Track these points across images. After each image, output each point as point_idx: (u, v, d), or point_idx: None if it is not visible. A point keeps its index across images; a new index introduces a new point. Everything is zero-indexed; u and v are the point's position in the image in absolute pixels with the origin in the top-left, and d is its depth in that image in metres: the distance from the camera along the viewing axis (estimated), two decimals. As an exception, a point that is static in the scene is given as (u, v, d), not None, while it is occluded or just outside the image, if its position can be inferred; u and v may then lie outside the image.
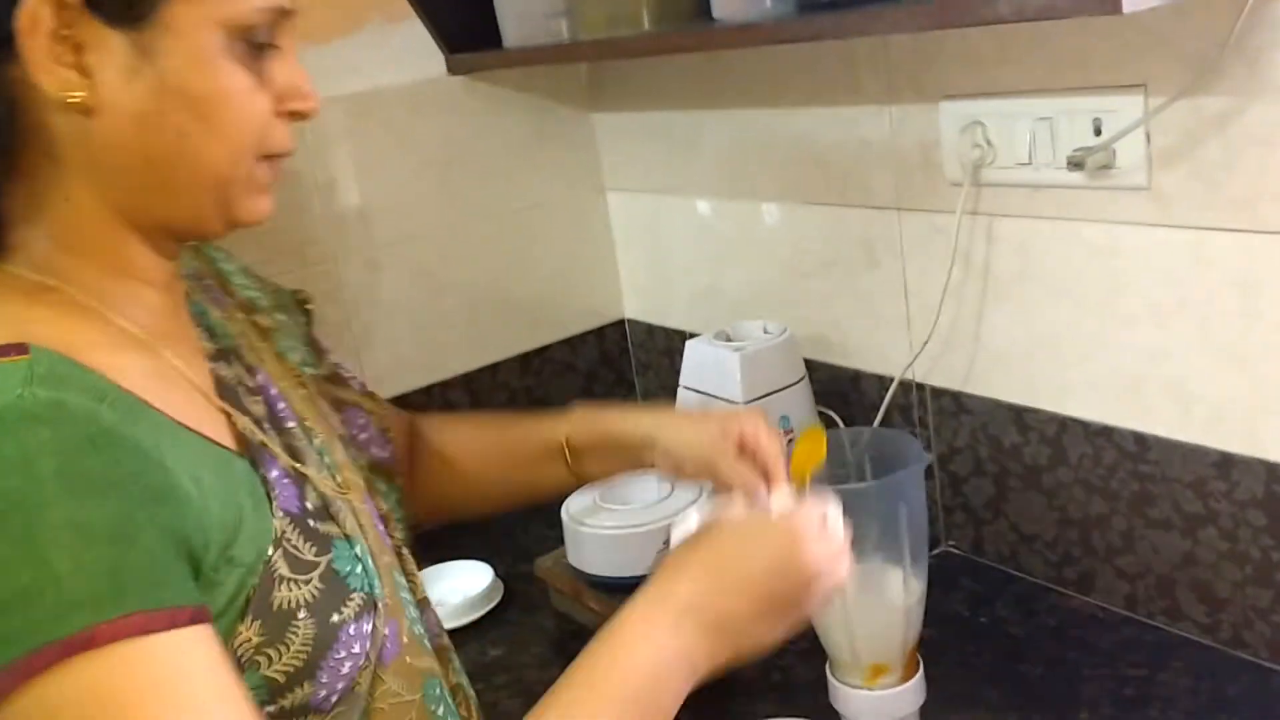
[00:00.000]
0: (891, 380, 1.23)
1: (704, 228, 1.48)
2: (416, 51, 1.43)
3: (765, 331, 1.27)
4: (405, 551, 0.80)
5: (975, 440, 1.18)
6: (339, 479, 0.74)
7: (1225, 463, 0.96)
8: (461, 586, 1.30)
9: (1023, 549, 1.17)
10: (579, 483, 0.93)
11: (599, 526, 1.15)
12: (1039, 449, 1.12)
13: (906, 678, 0.93)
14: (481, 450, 0.95)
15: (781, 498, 0.78)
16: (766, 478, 0.80)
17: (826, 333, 1.33)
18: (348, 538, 0.69)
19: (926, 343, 1.17)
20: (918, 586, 0.93)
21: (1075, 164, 0.95)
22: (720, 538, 0.70)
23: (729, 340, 1.26)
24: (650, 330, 1.64)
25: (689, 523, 0.75)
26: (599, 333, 1.66)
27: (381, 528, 0.77)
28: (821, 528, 0.70)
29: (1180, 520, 1.01)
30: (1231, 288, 0.92)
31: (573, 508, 1.19)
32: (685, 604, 0.66)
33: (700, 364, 1.25)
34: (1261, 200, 0.88)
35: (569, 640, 1.20)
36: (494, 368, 1.55)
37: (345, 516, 0.70)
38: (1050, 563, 1.15)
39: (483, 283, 1.54)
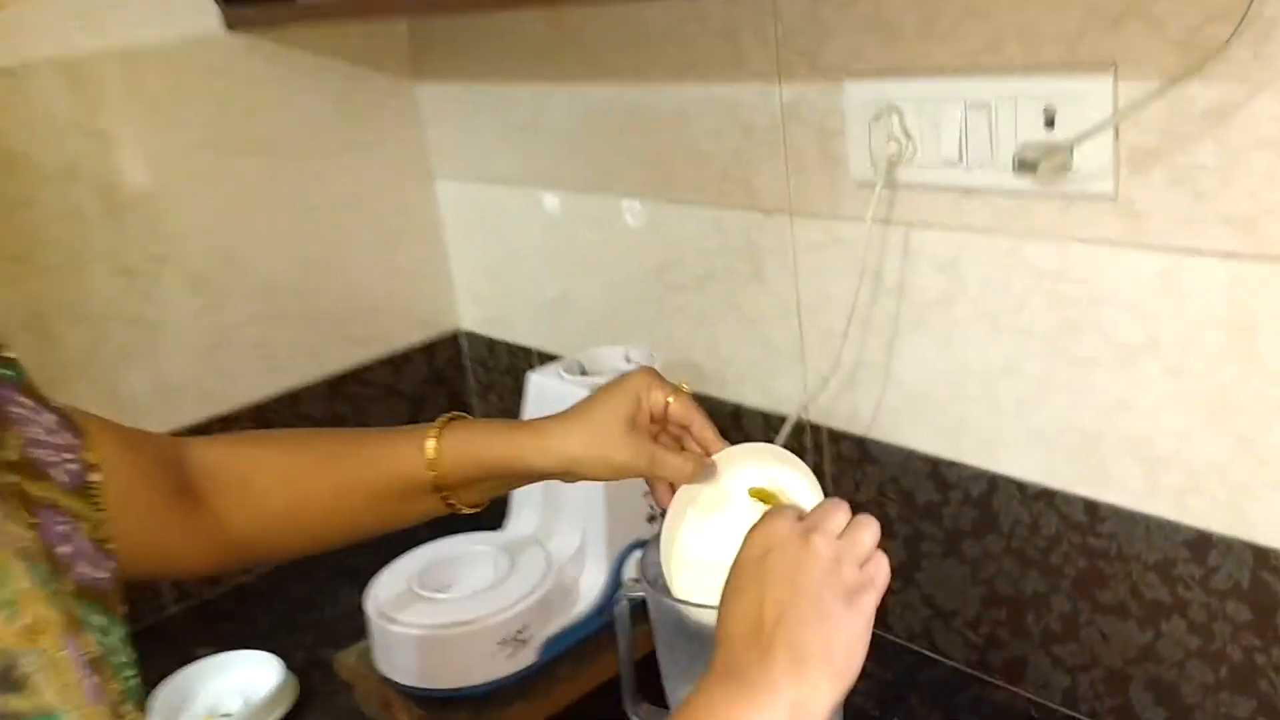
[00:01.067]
0: (782, 420, 1.00)
1: (553, 226, 1.22)
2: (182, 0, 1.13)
3: (628, 361, 1.03)
4: (128, 706, 0.54)
5: (883, 496, 0.97)
6: (21, 621, 0.48)
7: (1200, 542, 0.77)
8: (242, 685, 1.02)
9: (938, 626, 0.97)
10: (453, 512, 0.75)
11: (411, 625, 0.89)
12: (961, 511, 0.91)
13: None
14: (305, 485, 0.73)
15: (734, 462, 0.71)
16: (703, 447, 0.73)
17: (702, 359, 1.09)
18: (49, 714, 0.47)
19: (829, 378, 0.95)
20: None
21: (1026, 165, 0.74)
22: (775, 585, 0.57)
23: (583, 373, 1.02)
24: (491, 346, 1.38)
25: (691, 553, 0.70)
26: (428, 349, 1.39)
27: (92, 681, 0.50)
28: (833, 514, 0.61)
29: (1139, 608, 0.82)
30: (1217, 328, 0.72)
31: (380, 595, 0.92)
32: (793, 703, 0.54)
33: (546, 402, 1.00)
34: (1263, 218, 0.68)
35: (380, 761, 0.94)
36: (293, 396, 1.27)
37: (39, 678, 0.47)
38: (972, 644, 0.95)
39: (278, 291, 1.24)
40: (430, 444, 0.71)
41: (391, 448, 0.72)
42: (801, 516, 0.61)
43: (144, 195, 1.13)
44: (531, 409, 1.02)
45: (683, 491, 0.72)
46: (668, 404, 0.72)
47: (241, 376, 1.22)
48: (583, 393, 0.95)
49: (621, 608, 0.77)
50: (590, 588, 0.95)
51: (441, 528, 0.83)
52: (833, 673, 0.55)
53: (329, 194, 1.27)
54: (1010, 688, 0.93)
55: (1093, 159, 0.74)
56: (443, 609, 0.89)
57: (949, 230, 0.85)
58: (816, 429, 1.00)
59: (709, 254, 1.05)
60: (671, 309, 1.11)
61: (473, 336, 1.41)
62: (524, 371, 1.33)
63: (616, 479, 0.72)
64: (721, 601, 0.58)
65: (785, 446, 0.71)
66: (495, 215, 1.30)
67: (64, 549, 0.57)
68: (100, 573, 0.59)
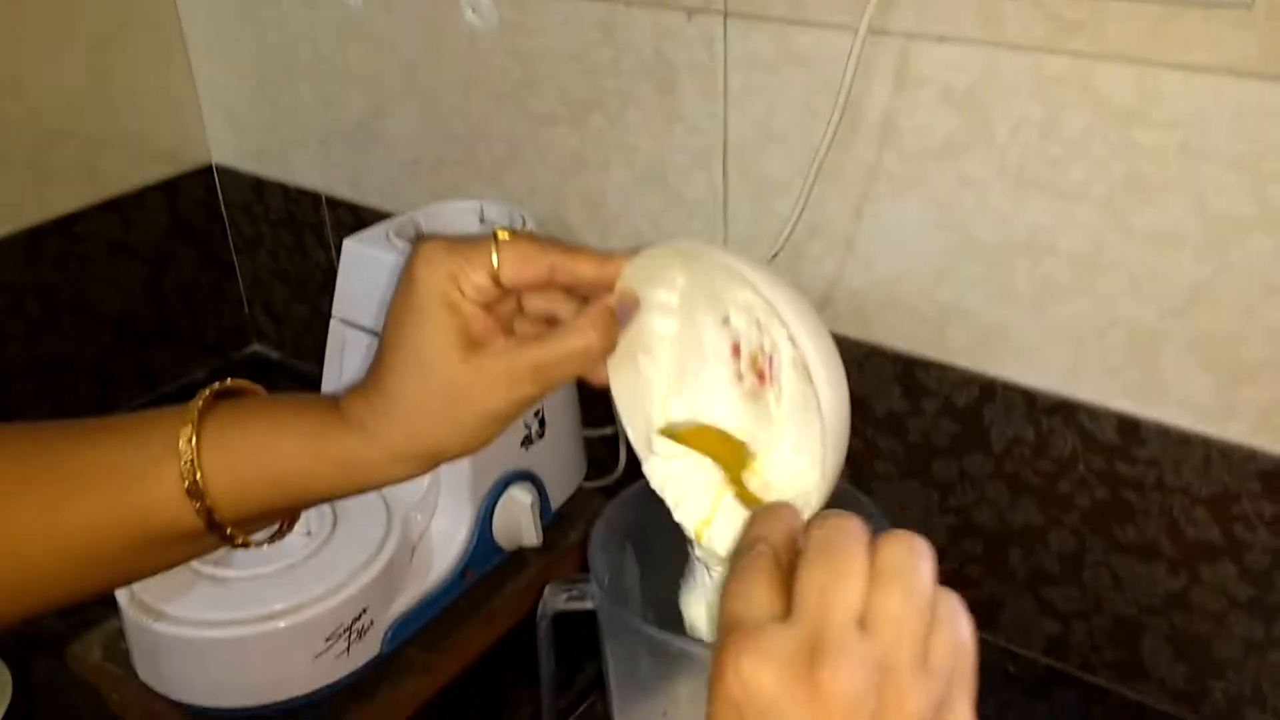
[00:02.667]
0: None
1: (352, 24, 0.88)
2: None
3: (483, 220, 0.74)
4: None
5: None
6: None
7: (1280, 474, 0.60)
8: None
9: (882, 558, 0.77)
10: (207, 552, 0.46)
11: (190, 622, 0.59)
12: (937, 424, 0.71)
13: None
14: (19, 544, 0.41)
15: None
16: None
17: (578, 220, 0.81)
18: None
19: (773, 250, 0.69)
20: None
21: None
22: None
23: (421, 238, 0.71)
24: (259, 188, 1.03)
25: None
26: (167, 190, 1.02)
27: None
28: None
29: (1174, 549, 0.65)
30: (1371, 197, 0.53)
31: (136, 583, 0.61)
32: None
33: (370, 281, 0.69)
34: None
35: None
36: (-28, 257, 0.88)
37: None
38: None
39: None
40: (185, 460, 0.41)
41: (122, 475, 0.41)
42: (789, 558, 0.34)
43: None
44: (347, 288, 0.71)
45: (614, 374, 0.45)
46: (496, 276, 0.41)
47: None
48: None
49: (545, 626, 0.51)
50: (448, 542, 0.68)
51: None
52: None
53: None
54: (980, 634, 0.75)
55: (1231, -54, 0.51)
56: (238, 592, 0.60)
57: (974, 45, 0.60)
58: (739, 313, 0.76)
59: (594, 71, 0.76)
60: (533, 146, 0.81)
61: (230, 174, 1.05)
62: (308, 225, 1.00)
63: (503, 429, 0.43)
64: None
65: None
66: (260, 6, 0.94)
67: None
68: None
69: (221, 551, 0.62)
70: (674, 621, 0.47)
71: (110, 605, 0.64)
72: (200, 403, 0.42)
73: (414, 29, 0.84)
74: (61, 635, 0.70)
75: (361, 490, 0.43)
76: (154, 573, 0.45)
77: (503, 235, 0.42)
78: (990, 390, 0.68)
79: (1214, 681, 0.67)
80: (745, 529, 0.37)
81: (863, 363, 0.72)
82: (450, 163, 0.87)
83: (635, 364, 0.45)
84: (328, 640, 0.60)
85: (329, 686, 0.62)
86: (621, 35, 0.73)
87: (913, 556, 0.33)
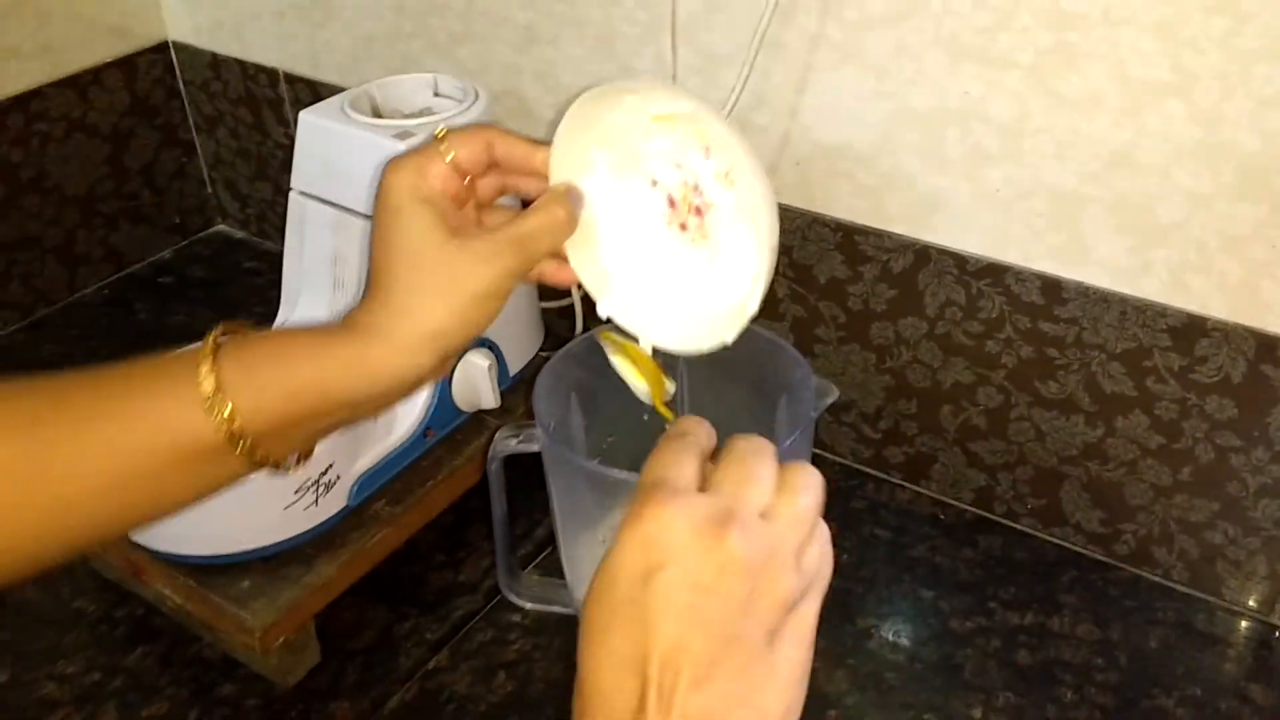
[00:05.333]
0: (642, 174, 0.77)
1: (301, -105, 0.88)
2: None
3: (437, 94, 0.75)
4: None
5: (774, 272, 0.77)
6: None
7: (1190, 329, 0.63)
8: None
9: (824, 419, 0.82)
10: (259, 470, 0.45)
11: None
12: (875, 289, 0.74)
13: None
14: (22, 483, 0.41)
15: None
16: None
17: (530, 93, 0.83)
18: None
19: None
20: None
21: None
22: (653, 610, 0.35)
23: (376, 112, 0.73)
24: (215, 64, 1.03)
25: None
26: (126, 65, 1.02)
27: None
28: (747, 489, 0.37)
29: (1092, 402, 0.69)
30: (1275, 62, 0.55)
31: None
32: None
33: (329, 154, 0.71)
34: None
35: (134, 643, 0.70)
36: (-70, 136, 0.89)
37: None
38: (866, 439, 0.80)
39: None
40: (206, 379, 0.41)
41: (147, 398, 0.42)
42: (709, 460, 0.39)
43: None
44: (304, 163, 0.73)
45: (574, 247, 0.49)
46: (450, 166, 0.46)
47: None
48: (382, 141, 0.69)
49: (496, 469, 0.55)
50: (408, 404, 0.71)
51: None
52: None
53: None
54: (912, 486, 0.80)
55: None
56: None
57: (914, -85, 0.62)
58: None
59: (544, -59, 0.76)
60: (486, 20, 0.82)
61: (187, 50, 1.05)
62: (266, 102, 1.01)
63: (496, 308, 0.46)
64: (582, 642, 0.36)
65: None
66: (211, -124, 0.93)
67: None
68: None
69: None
70: (615, 463, 0.51)
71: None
72: (213, 336, 0.43)
73: (365, -100, 0.84)
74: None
75: (379, 394, 0.44)
76: (185, 503, 0.45)
77: (440, 132, 0.46)
78: (925, 256, 0.71)
79: (1126, 525, 0.72)
80: (673, 427, 0.40)
81: (805, 231, 0.75)
82: (405, 37, 0.88)
83: (589, 243, 0.49)
84: (297, 492, 0.64)
85: (301, 535, 0.66)
86: (570, -95, 0.74)
87: (811, 481, 0.38)
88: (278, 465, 0.44)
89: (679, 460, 0.38)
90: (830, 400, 0.57)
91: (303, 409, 0.43)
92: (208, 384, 0.41)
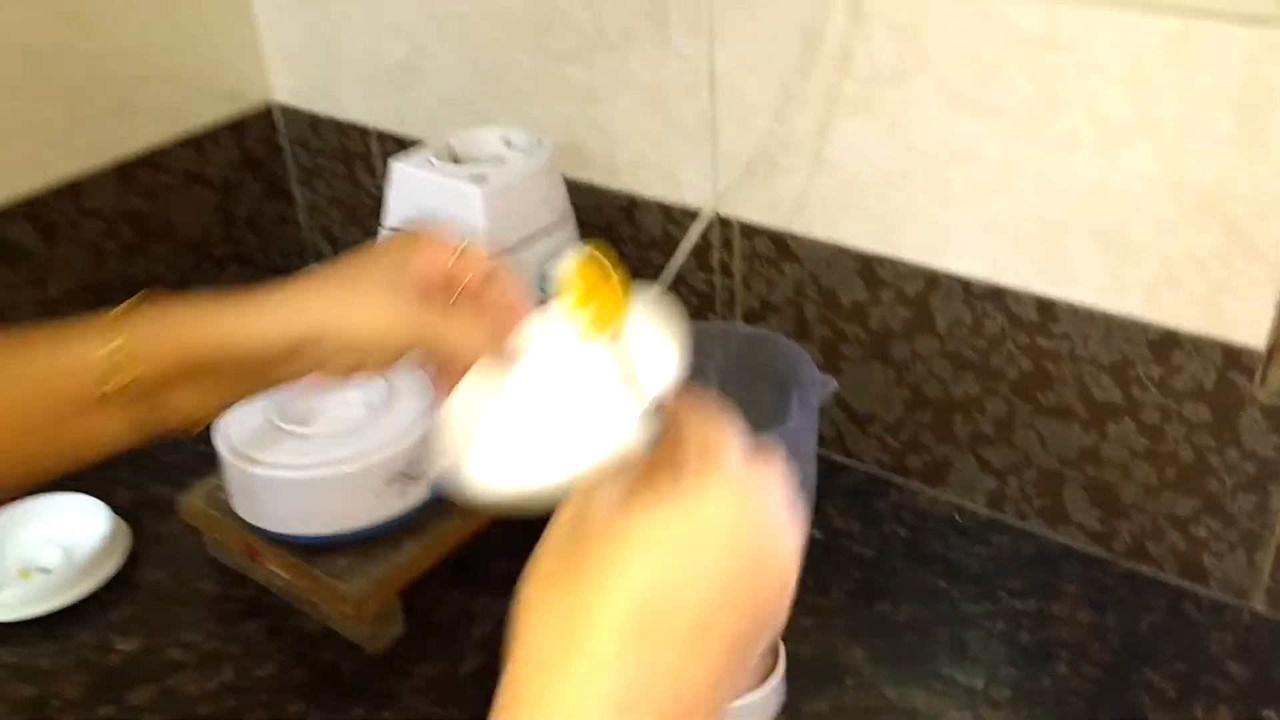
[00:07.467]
0: (685, 213, 0.88)
1: (393, -24, 1.01)
2: None
3: (509, 145, 0.87)
4: None
5: (800, 295, 0.87)
6: None
7: (1165, 341, 0.72)
8: (59, 535, 0.86)
9: (852, 431, 0.91)
10: (140, 437, 0.51)
11: (282, 466, 0.74)
12: (893, 311, 0.83)
13: (764, 676, 0.67)
14: None
15: (549, 338, 0.48)
16: (504, 322, 0.50)
17: (590, 142, 0.94)
18: None
19: (751, 162, 0.82)
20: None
21: (1035, -95, 0.62)
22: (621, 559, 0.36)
23: (455, 160, 0.85)
24: (315, 123, 1.17)
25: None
26: (235, 126, 1.16)
27: None
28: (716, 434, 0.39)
29: (1085, 410, 0.77)
30: (1225, 106, 0.64)
31: (232, 432, 0.76)
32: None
33: (416, 198, 0.83)
34: (1297, -23, 0.59)
35: (247, 617, 0.81)
36: (74, 187, 1.03)
37: None
38: (889, 449, 0.89)
39: (38, 53, 0.98)
40: (105, 331, 0.49)
41: (54, 345, 0.50)
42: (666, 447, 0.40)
43: None
44: (397, 205, 0.85)
45: (470, 382, 0.49)
46: (447, 265, 0.51)
47: (6, 164, 0.98)
48: (461, 185, 0.81)
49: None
50: (482, 410, 0.82)
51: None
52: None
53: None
54: (931, 490, 0.88)
55: (1106, -100, 0.62)
56: (316, 445, 0.75)
57: (912, -13, 0.72)
58: (726, 223, 0.88)
59: (600, 12, 0.88)
60: (551, 81, 0.94)
61: (290, 111, 1.19)
62: (357, 156, 1.14)
63: (383, 358, 0.51)
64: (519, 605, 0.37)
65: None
66: (315, -39, 1.07)
67: None
68: None
69: (304, 411, 0.78)
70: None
71: (210, 464, 0.79)
72: (134, 299, 0.50)
73: (447, -21, 0.97)
74: (168, 497, 0.86)
75: (246, 357, 0.50)
76: (82, 457, 0.50)
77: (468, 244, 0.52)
78: (935, 281, 0.80)
79: (1121, 522, 0.80)
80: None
81: (830, 260, 0.85)
82: (480, 96, 1.00)
83: (481, 392, 0.48)
84: (387, 482, 0.75)
85: (389, 521, 0.77)
86: (623, -18, 0.85)
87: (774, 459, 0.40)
88: (169, 427, 0.50)
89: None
90: (832, 390, 0.66)
91: (191, 361, 0.49)
92: (113, 337, 0.48)
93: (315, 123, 1.17)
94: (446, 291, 0.51)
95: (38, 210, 1.00)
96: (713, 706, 0.35)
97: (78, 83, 1.01)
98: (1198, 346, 0.71)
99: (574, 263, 0.46)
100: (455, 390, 0.48)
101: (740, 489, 0.37)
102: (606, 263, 0.46)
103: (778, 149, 0.83)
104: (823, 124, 0.80)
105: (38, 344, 0.50)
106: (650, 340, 0.45)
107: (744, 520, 0.37)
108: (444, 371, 0.50)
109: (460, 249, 0.52)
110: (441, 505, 0.80)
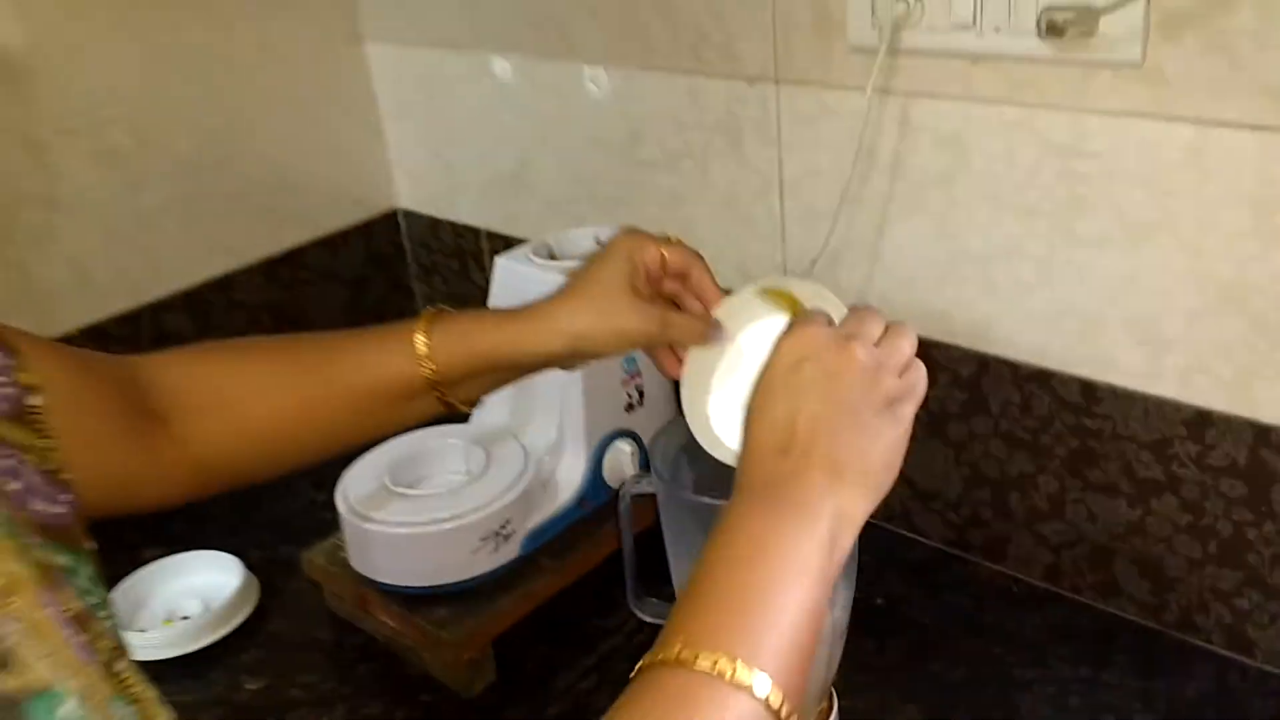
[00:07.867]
0: (759, 303, 0.97)
1: (503, 95, 1.14)
2: None
3: (598, 244, 0.97)
4: (123, 659, 0.47)
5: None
6: None
7: (1200, 421, 0.77)
8: (199, 587, 0.97)
9: (916, 507, 0.97)
10: (450, 411, 0.70)
11: (391, 523, 0.84)
12: (949, 393, 0.90)
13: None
14: (287, 397, 0.67)
15: (739, 310, 0.65)
16: (709, 303, 0.67)
17: (672, 239, 1.04)
18: (45, 691, 0.39)
19: (814, 259, 0.91)
20: (841, 618, 0.69)
21: (1054, 29, 0.70)
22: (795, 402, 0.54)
23: (552, 257, 0.96)
24: (434, 225, 1.30)
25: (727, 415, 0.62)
26: (365, 229, 1.31)
27: (80, 639, 0.44)
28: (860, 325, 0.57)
29: (1129, 486, 0.82)
30: (1240, 205, 0.70)
31: (351, 493, 0.87)
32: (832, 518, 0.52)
33: (515, 289, 0.94)
34: (1296, 91, 0.66)
35: (358, 662, 0.90)
36: (225, 281, 1.18)
37: (24, 648, 0.40)
38: (951, 525, 0.95)
39: (199, 167, 1.14)
40: (420, 339, 0.66)
41: (379, 348, 0.67)
42: (833, 324, 0.57)
43: (47, 59, 1.01)
44: (498, 295, 0.96)
45: (695, 356, 0.65)
46: (663, 257, 0.66)
47: (169, 262, 1.13)
48: (555, 277, 0.90)
49: (625, 505, 0.74)
50: (569, 479, 0.91)
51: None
52: (871, 486, 0.53)
53: (248, 56, 1.16)
54: (991, 565, 0.93)
55: (1120, 23, 0.70)
56: (421, 505, 0.85)
57: (954, 101, 0.80)
58: (796, 311, 0.97)
59: (682, 127, 0.99)
60: (640, 187, 1.05)
61: (412, 215, 1.33)
62: (470, 254, 1.26)
63: (624, 351, 0.69)
64: (749, 413, 0.55)
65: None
66: (435, 82, 1.21)
67: (13, 485, 0.49)
68: (57, 507, 0.51)
69: (413, 476, 0.88)
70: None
71: (330, 529, 0.90)
72: (428, 311, 0.67)
73: (549, 98, 1.09)
74: (293, 556, 0.97)
75: (528, 360, 0.66)
76: (390, 430, 0.70)
77: (674, 238, 0.69)
78: (985, 365, 0.87)
79: (1169, 595, 0.83)
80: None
81: (890, 347, 0.92)
82: (576, 200, 1.12)
83: (707, 364, 0.65)
84: (482, 539, 0.84)
85: (482, 575, 0.86)
86: (702, 100, 0.96)
87: (907, 331, 0.57)
88: (460, 407, 0.68)
89: (815, 315, 0.57)
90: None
91: (481, 364, 0.66)
92: (420, 344, 0.65)
93: (434, 225, 1.30)
94: (667, 282, 0.67)
95: (194, 302, 1.15)
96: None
97: (232, 191, 1.17)
98: (1230, 425, 0.75)
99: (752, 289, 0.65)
100: (686, 366, 0.65)
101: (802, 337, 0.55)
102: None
103: (840, 246, 0.91)
104: (878, 225, 0.89)
105: (361, 345, 0.67)
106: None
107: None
108: (665, 352, 0.67)
109: (669, 242, 0.66)
110: (532, 563, 0.89)
